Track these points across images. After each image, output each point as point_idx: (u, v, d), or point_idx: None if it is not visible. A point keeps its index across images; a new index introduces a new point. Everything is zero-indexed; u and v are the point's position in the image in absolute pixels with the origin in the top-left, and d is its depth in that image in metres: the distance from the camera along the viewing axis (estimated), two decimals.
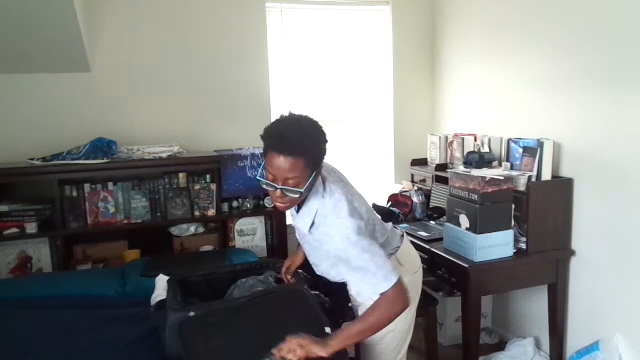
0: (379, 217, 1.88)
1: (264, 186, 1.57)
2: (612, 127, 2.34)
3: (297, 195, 1.53)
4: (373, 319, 1.55)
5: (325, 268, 1.76)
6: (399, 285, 1.56)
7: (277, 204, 1.59)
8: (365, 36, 3.62)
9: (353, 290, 1.75)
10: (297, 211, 1.71)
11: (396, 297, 1.55)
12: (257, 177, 1.60)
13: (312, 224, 1.63)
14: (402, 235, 1.94)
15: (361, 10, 3.60)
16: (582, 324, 2.60)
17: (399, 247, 1.86)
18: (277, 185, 1.51)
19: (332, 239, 1.58)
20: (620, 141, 2.30)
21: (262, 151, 2.91)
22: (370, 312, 1.56)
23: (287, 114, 1.58)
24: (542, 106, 2.74)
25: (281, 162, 1.47)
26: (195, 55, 3.18)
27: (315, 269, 1.84)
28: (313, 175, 1.55)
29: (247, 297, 1.85)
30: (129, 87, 3.08)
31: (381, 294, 1.54)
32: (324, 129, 1.58)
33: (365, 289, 1.56)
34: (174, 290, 1.90)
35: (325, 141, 1.57)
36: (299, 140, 1.49)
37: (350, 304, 2.04)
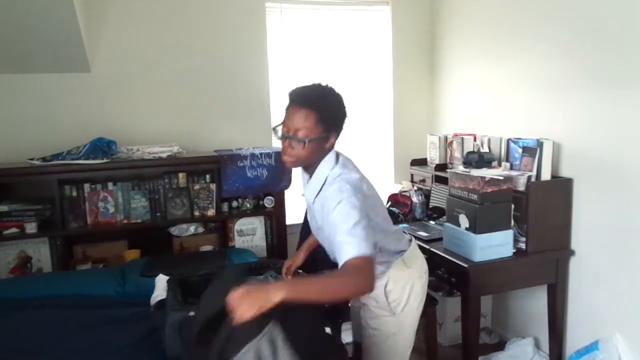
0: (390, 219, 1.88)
1: (277, 136, 1.69)
2: (612, 127, 2.34)
3: (301, 146, 1.61)
4: (333, 282, 1.43)
5: (329, 246, 1.71)
6: (369, 261, 1.46)
7: (284, 157, 1.67)
8: (365, 36, 3.62)
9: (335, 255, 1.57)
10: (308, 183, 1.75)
11: (361, 270, 1.44)
12: (273, 127, 1.73)
13: (320, 191, 1.67)
14: (411, 240, 1.94)
15: (361, 10, 3.60)
16: (582, 323, 2.60)
17: (405, 250, 1.86)
18: (287, 135, 1.63)
19: (328, 201, 1.59)
20: (620, 141, 2.31)
21: (262, 151, 2.95)
22: (335, 275, 1.47)
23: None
24: (541, 106, 2.74)
25: (296, 113, 1.62)
26: (195, 55, 3.18)
27: (328, 252, 1.79)
28: (323, 135, 1.63)
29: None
30: (129, 87, 3.08)
31: (349, 259, 1.45)
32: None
33: (339, 251, 1.49)
34: (174, 290, 1.90)
35: (344, 112, 1.69)
36: (317, 97, 1.64)
37: (350, 304, 2.05)
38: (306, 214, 2.66)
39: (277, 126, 1.70)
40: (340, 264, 1.46)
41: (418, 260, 1.92)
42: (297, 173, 3.12)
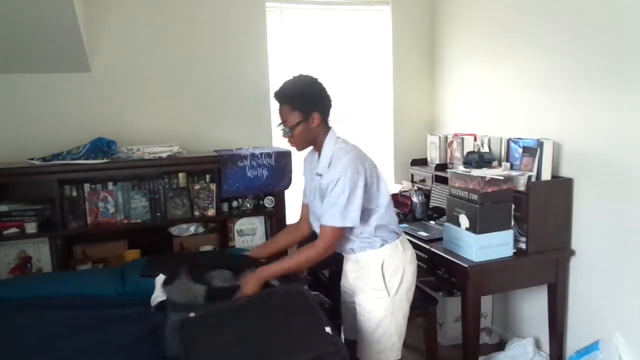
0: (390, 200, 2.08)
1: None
2: (612, 127, 2.34)
3: (290, 133, 1.93)
4: (296, 261, 1.97)
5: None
6: (338, 231, 1.89)
7: (291, 146, 2.02)
8: (365, 36, 3.62)
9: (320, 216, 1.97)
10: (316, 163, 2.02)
11: (328, 238, 1.89)
12: (277, 125, 2.01)
13: (329, 165, 1.93)
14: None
15: (361, 10, 3.60)
16: (582, 323, 2.60)
17: (399, 234, 2.07)
18: (281, 129, 1.97)
19: (333, 170, 1.89)
20: (620, 141, 2.31)
21: (262, 151, 3.05)
22: (300, 252, 1.96)
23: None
24: (542, 106, 2.74)
25: (279, 110, 1.96)
26: (195, 55, 3.18)
27: (314, 224, 2.08)
28: (303, 119, 1.92)
29: (247, 297, 1.85)
30: (129, 87, 3.08)
31: (324, 225, 1.89)
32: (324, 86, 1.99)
33: (324, 216, 1.90)
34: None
35: (314, 92, 1.95)
36: (285, 90, 1.94)
37: (343, 301, 2.09)
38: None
39: (279, 125, 2.00)
40: (319, 224, 1.92)
41: (410, 246, 2.11)
42: (297, 172, 3.12)
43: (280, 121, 1.96)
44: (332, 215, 1.87)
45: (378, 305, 1.98)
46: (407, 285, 2.04)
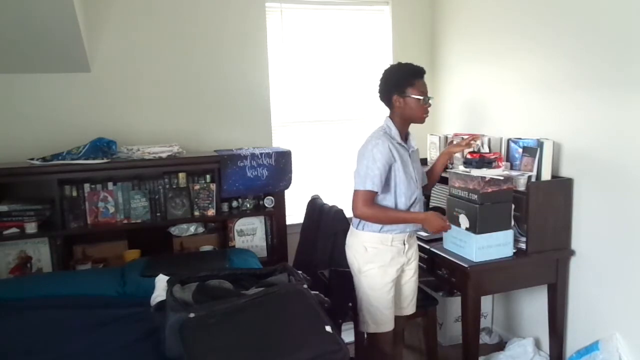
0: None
1: (429, 103, 2.35)
2: (612, 127, 2.34)
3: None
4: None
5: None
6: (363, 195, 2.12)
7: (426, 117, 2.39)
8: (365, 36, 3.62)
9: None
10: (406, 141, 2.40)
11: (356, 201, 2.14)
12: (429, 97, 2.34)
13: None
14: None
15: (361, 10, 3.60)
16: (582, 324, 2.60)
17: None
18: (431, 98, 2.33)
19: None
20: (620, 141, 2.31)
21: (262, 151, 3.04)
22: None
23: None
24: (542, 106, 2.74)
25: (423, 82, 2.32)
26: (195, 55, 3.18)
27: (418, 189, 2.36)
28: None
29: (248, 297, 1.85)
30: (129, 87, 3.08)
31: (355, 190, 2.17)
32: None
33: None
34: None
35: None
36: None
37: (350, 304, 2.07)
38: (310, 210, 2.71)
39: (429, 97, 2.32)
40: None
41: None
42: (297, 172, 3.12)
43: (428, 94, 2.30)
44: (356, 182, 2.21)
45: None
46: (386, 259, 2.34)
